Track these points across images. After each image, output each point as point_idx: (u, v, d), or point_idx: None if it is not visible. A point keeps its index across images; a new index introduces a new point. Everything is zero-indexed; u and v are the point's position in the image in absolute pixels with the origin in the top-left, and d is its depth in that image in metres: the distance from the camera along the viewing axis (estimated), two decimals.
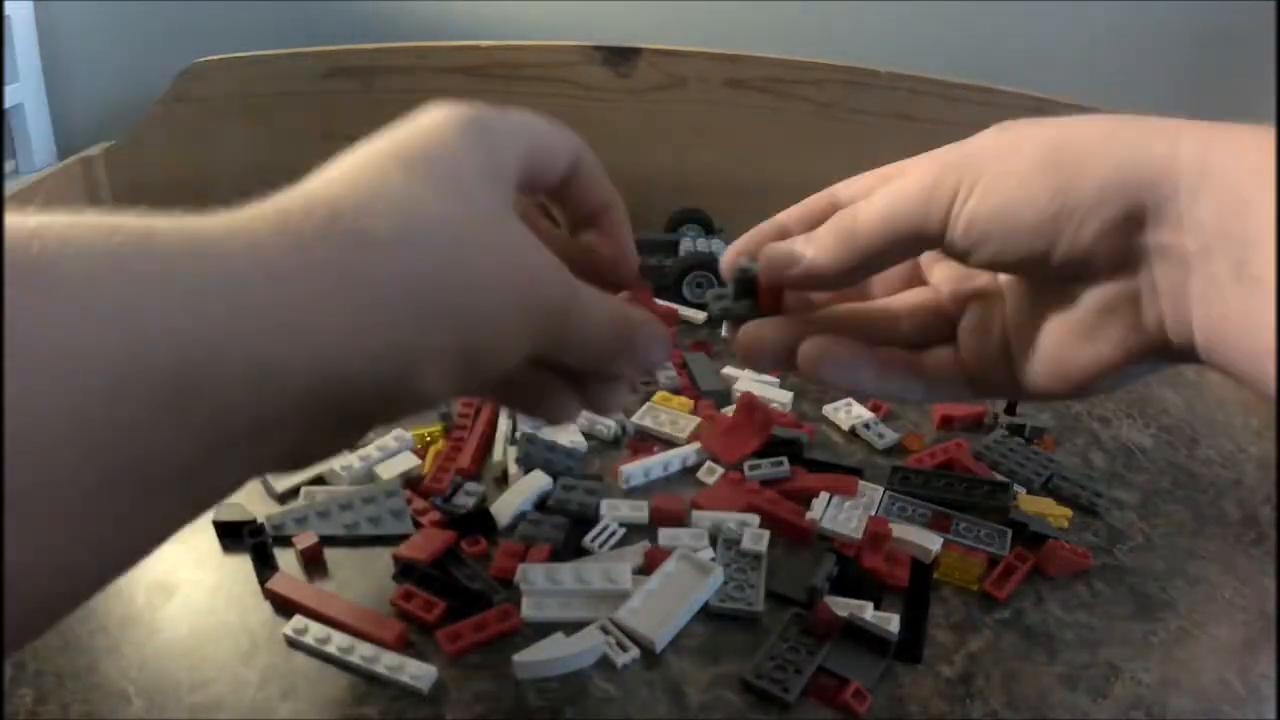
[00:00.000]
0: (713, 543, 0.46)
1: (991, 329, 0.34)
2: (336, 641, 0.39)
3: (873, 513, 0.48)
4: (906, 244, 0.32)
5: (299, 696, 0.37)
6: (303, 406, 0.23)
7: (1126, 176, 0.28)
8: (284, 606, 0.41)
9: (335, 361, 0.24)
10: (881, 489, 0.50)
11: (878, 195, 0.32)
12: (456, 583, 0.42)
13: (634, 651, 0.39)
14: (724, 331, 0.37)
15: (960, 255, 0.31)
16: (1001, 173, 0.30)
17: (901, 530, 0.46)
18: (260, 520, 0.45)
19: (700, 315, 0.68)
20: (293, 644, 0.40)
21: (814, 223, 0.35)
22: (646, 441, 0.54)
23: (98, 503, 0.20)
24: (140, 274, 0.21)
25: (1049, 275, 0.31)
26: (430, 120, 0.30)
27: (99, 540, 0.21)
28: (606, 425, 0.53)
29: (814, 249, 0.33)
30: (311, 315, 0.23)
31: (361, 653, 0.39)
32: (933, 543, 0.45)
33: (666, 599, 0.42)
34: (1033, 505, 0.50)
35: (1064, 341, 0.31)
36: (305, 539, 0.44)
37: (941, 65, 0.83)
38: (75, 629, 0.40)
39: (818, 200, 0.37)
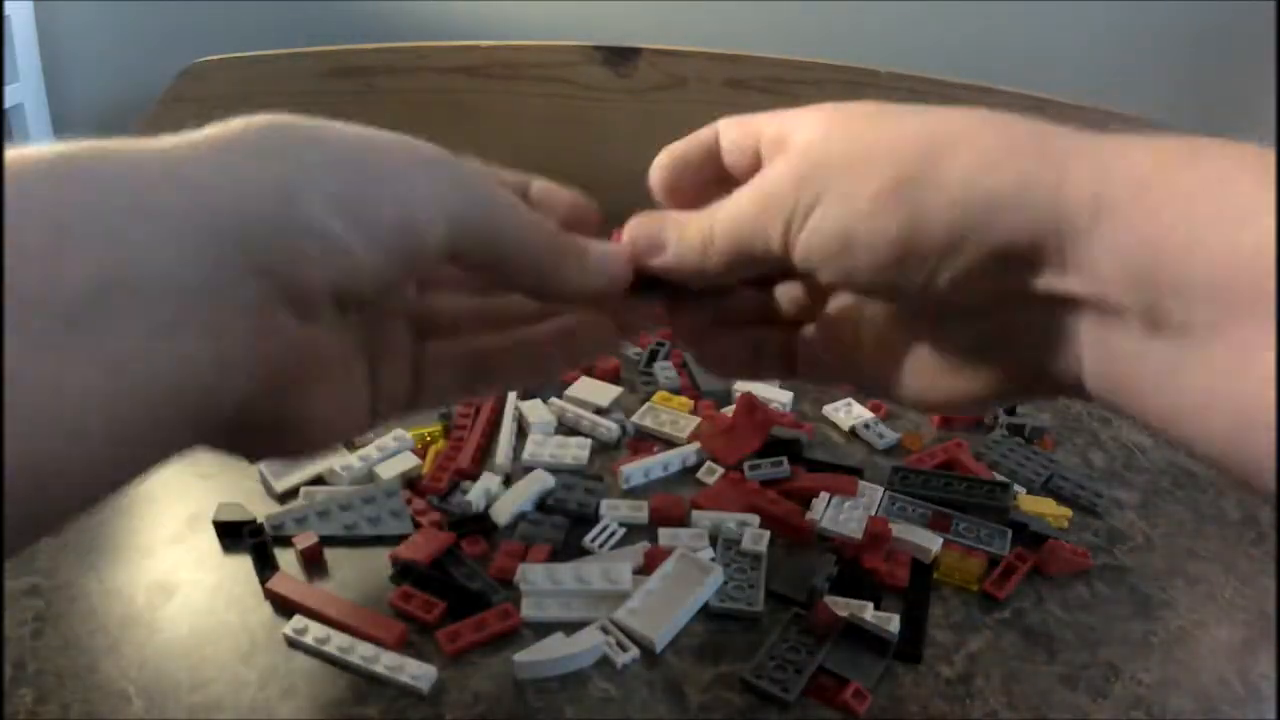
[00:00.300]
0: (713, 543, 0.46)
1: (845, 333, 0.32)
2: (336, 641, 0.39)
3: (873, 513, 0.48)
4: (758, 263, 0.29)
5: (299, 696, 0.37)
6: (186, 245, 0.22)
7: (995, 215, 0.24)
8: (284, 606, 0.41)
9: (205, 193, 0.23)
10: (881, 489, 0.50)
11: (724, 213, 0.30)
12: (455, 583, 0.42)
13: (634, 651, 0.39)
14: None
15: (809, 278, 0.29)
16: (846, 194, 0.26)
17: (901, 530, 0.46)
18: (260, 520, 0.45)
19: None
20: (293, 644, 0.40)
21: (702, 165, 0.34)
22: (646, 441, 0.54)
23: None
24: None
25: (910, 309, 0.29)
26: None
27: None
28: (608, 426, 0.53)
29: (678, 248, 0.31)
30: (179, 165, 0.23)
31: (361, 653, 0.39)
32: (933, 543, 0.45)
33: (666, 599, 0.42)
34: (1033, 505, 0.50)
35: (924, 370, 0.29)
36: (305, 539, 0.44)
37: (941, 65, 0.83)
38: (75, 629, 0.40)
39: (708, 134, 0.35)
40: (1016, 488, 0.51)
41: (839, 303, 0.32)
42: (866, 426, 0.56)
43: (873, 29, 0.98)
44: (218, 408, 0.24)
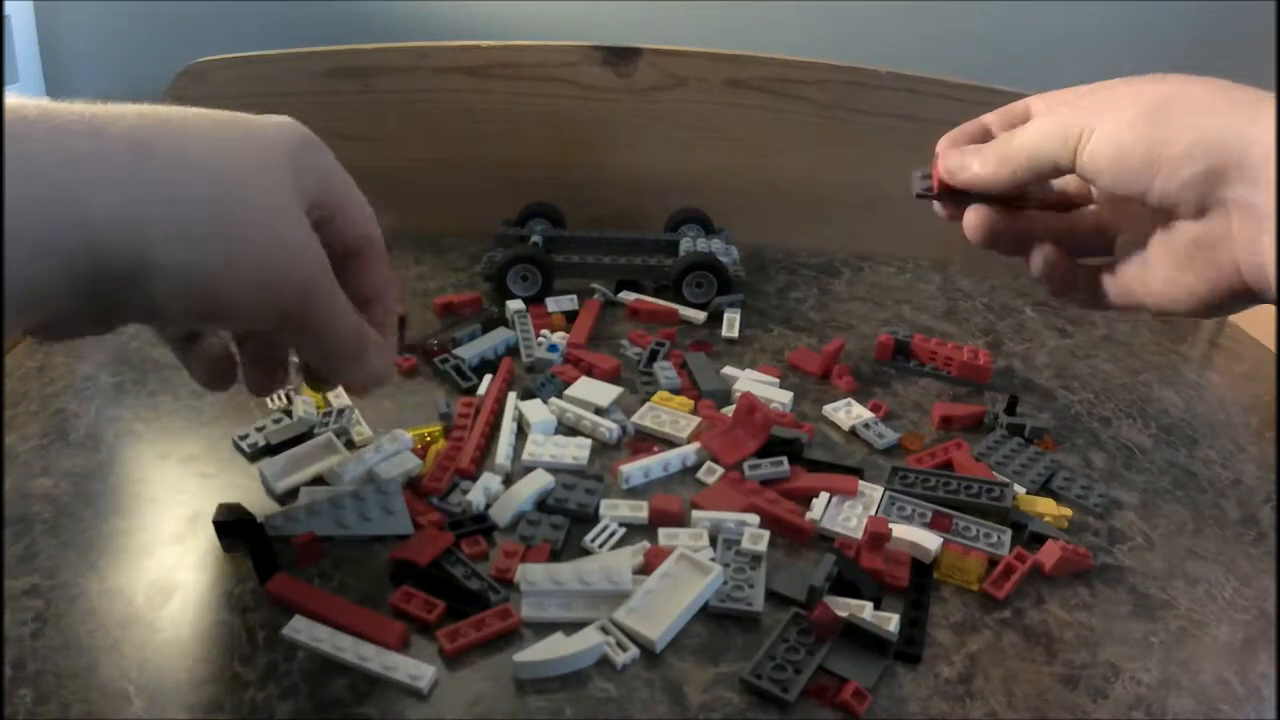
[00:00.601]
0: (713, 543, 0.46)
1: (1126, 249, 0.42)
2: (336, 641, 0.39)
3: (873, 513, 0.48)
4: (1046, 169, 0.40)
5: (299, 696, 0.37)
6: (58, 267, 0.28)
7: (1210, 142, 0.36)
8: (284, 606, 0.41)
9: (76, 221, 0.28)
10: (881, 489, 0.50)
11: (1028, 126, 0.42)
12: (455, 583, 0.42)
13: (634, 651, 0.39)
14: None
15: (1089, 181, 0.40)
16: (1116, 120, 0.38)
17: (901, 530, 0.46)
18: (259, 520, 0.45)
19: (700, 315, 0.68)
20: (293, 644, 0.39)
21: (1011, 124, 0.45)
22: (646, 441, 0.54)
23: None
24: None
25: (1154, 208, 0.38)
26: (277, 119, 0.38)
27: None
28: (608, 426, 0.53)
29: (979, 163, 0.43)
30: (50, 166, 0.28)
31: (361, 653, 0.39)
32: (932, 543, 0.45)
33: (666, 599, 0.42)
34: (1033, 505, 0.50)
35: (1168, 266, 0.39)
36: (305, 539, 0.44)
37: (941, 65, 0.83)
38: (75, 629, 0.40)
39: (1015, 107, 0.46)
40: (1016, 488, 0.51)
41: (1107, 212, 0.45)
42: (866, 426, 0.56)
43: (873, 29, 0.97)
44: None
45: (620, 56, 0.79)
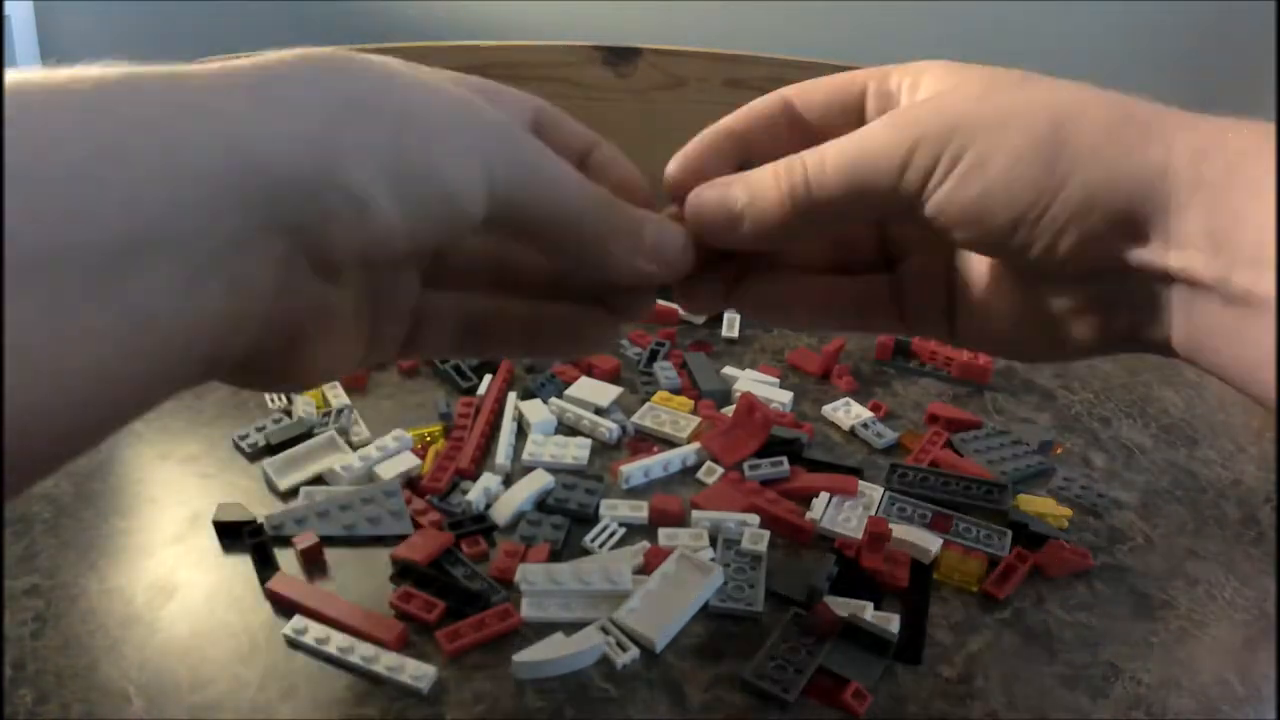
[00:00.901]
0: (713, 543, 0.46)
1: (937, 281, 0.32)
2: (336, 641, 0.39)
3: (873, 513, 0.48)
4: (869, 210, 0.29)
5: (299, 696, 0.37)
6: (220, 196, 0.22)
7: (1116, 186, 0.26)
8: (284, 606, 0.41)
9: (242, 140, 0.22)
10: (881, 489, 0.50)
11: (837, 149, 0.29)
12: (455, 583, 0.42)
13: (634, 651, 0.39)
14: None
15: (927, 229, 0.29)
16: (988, 155, 0.27)
17: (901, 530, 0.46)
18: (260, 520, 0.45)
19: (700, 315, 0.68)
20: (293, 644, 0.40)
21: (763, 127, 0.33)
22: (646, 441, 0.54)
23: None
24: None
25: (1020, 267, 0.29)
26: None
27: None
28: (608, 426, 0.53)
29: (756, 205, 0.29)
30: (216, 101, 0.22)
31: (361, 653, 0.39)
32: (932, 543, 0.45)
33: (666, 599, 0.42)
34: (1033, 505, 0.50)
35: (1020, 325, 0.30)
36: (305, 539, 0.44)
37: None
38: (75, 629, 0.40)
39: (768, 105, 0.34)
40: (1016, 488, 0.51)
41: (934, 259, 0.33)
42: (866, 426, 0.56)
43: (873, 29, 0.97)
44: (229, 355, 0.24)
45: (620, 56, 0.79)
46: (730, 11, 0.94)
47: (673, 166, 0.33)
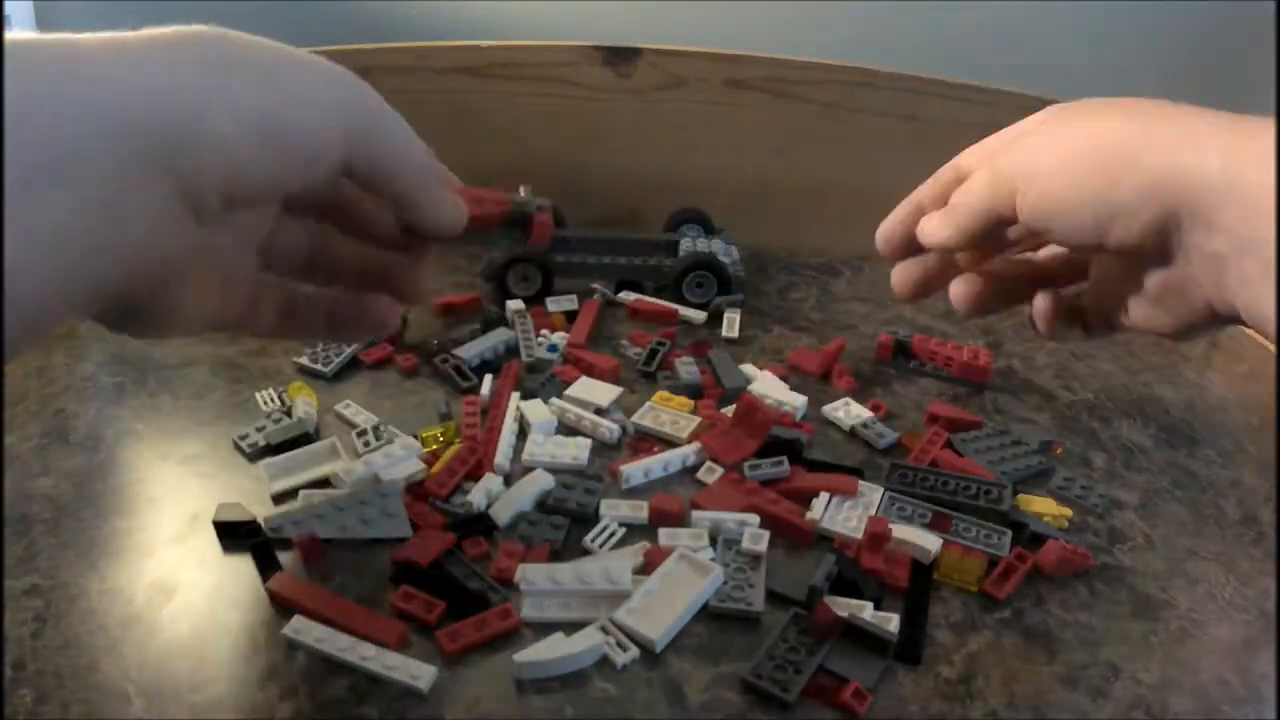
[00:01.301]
0: (713, 543, 0.46)
1: (1099, 286, 0.43)
2: (336, 642, 0.39)
3: (873, 513, 0.48)
4: (993, 227, 0.40)
5: (299, 696, 0.37)
6: (104, 139, 0.26)
7: (1159, 186, 0.34)
8: (284, 606, 0.41)
9: (123, 93, 0.27)
10: (881, 489, 0.50)
11: (966, 185, 0.42)
12: (455, 582, 0.42)
13: (634, 651, 0.39)
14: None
15: (1038, 233, 0.39)
16: (1049, 173, 0.37)
17: (901, 530, 0.46)
18: (259, 520, 0.45)
19: (700, 315, 0.68)
20: (293, 644, 0.40)
21: (943, 195, 0.44)
22: (646, 441, 0.54)
23: None
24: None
25: (1114, 256, 0.38)
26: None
27: None
28: (608, 427, 0.53)
29: (932, 230, 0.43)
30: (103, 60, 0.27)
31: (361, 653, 0.39)
32: (932, 543, 0.45)
33: (666, 599, 0.42)
34: (1033, 505, 0.50)
35: (1140, 304, 0.39)
36: (304, 538, 0.44)
37: (941, 65, 0.83)
38: (75, 628, 0.40)
39: (945, 174, 0.46)
40: (1016, 488, 0.51)
41: (1073, 261, 0.45)
42: (866, 426, 0.56)
43: (873, 29, 0.97)
44: (110, 288, 0.28)
45: (620, 56, 0.79)
46: (730, 11, 0.94)
47: (886, 228, 0.47)
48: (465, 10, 0.93)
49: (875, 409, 0.58)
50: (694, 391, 0.59)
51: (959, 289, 0.46)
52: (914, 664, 0.40)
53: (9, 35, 0.26)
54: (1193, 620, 0.44)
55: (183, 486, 0.49)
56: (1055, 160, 0.37)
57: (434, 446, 0.52)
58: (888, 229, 0.46)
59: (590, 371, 0.59)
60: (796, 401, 0.57)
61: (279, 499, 0.48)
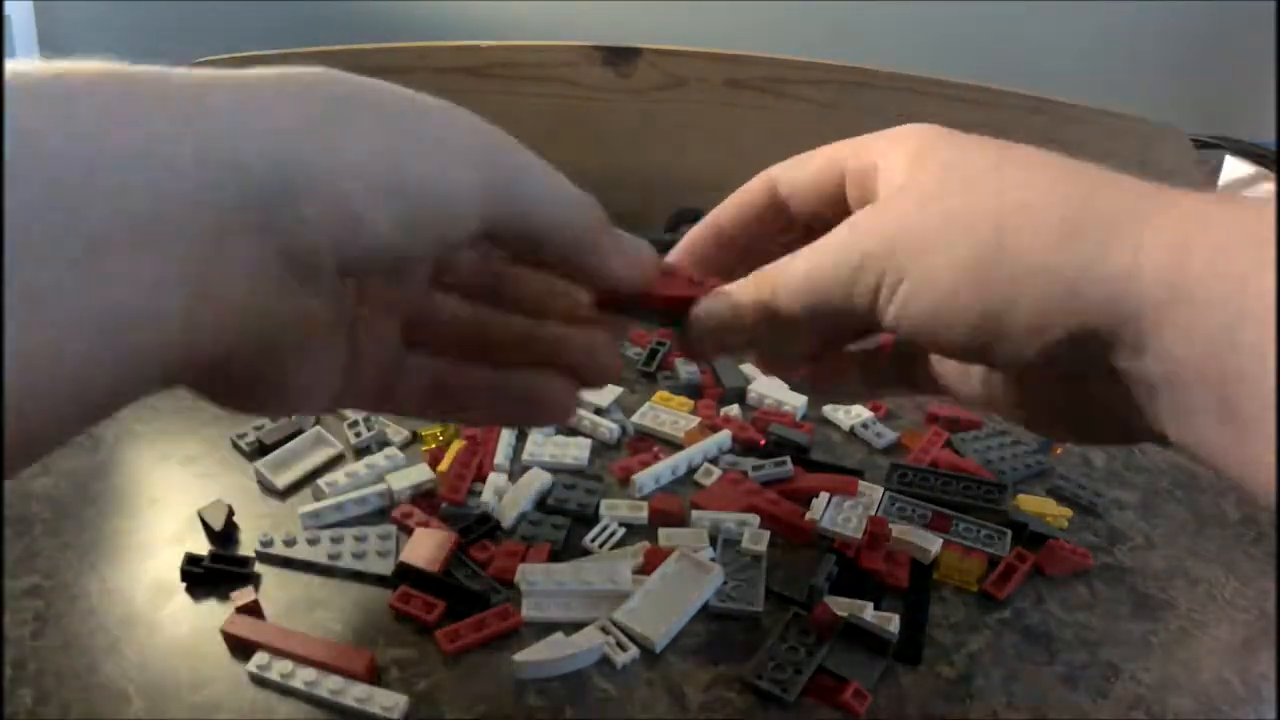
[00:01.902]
0: (713, 543, 0.46)
1: (968, 376, 0.32)
2: (303, 675, 0.37)
3: (873, 513, 0.48)
4: (834, 322, 0.29)
5: (299, 696, 0.37)
6: (199, 193, 0.22)
7: (1072, 300, 0.24)
8: (242, 646, 0.39)
9: (223, 139, 0.22)
10: (881, 489, 0.50)
11: (797, 265, 0.29)
12: (456, 583, 0.42)
13: (634, 651, 0.39)
14: None
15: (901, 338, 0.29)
16: (928, 275, 0.26)
17: (901, 530, 0.46)
18: (205, 558, 0.43)
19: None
20: (257, 680, 0.38)
21: (752, 221, 0.35)
22: (647, 440, 0.54)
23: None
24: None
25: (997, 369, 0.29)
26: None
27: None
28: (608, 427, 0.53)
29: (737, 319, 0.31)
30: (200, 102, 0.23)
31: (330, 685, 0.37)
32: (932, 543, 0.45)
33: (666, 599, 0.42)
34: (1033, 505, 0.50)
35: (1023, 410, 0.30)
36: (243, 596, 0.41)
37: (941, 65, 0.83)
38: (75, 628, 0.40)
39: (756, 191, 0.36)
40: (1015, 487, 0.51)
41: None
42: (865, 426, 0.56)
43: (873, 29, 0.97)
44: (200, 359, 0.24)
45: (620, 56, 0.79)
46: (730, 11, 0.94)
47: (671, 259, 0.36)
48: (465, 10, 0.93)
49: (875, 409, 0.58)
50: (694, 391, 0.59)
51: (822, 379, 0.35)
52: (914, 664, 0.40)
53: (93, 65, 0.22)
54: (1193, 620, 0.44)
55: (183, 486, 0.49)
56: (930, 262, 0.26)
57: (432, 445, 0.52)
58: (676, 259, 0.36)
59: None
60: (796, 401, 0.57)
61: (286, 494, 0.48)
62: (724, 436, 0.53)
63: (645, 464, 0.51)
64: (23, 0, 0.97)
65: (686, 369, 0.60)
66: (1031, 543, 0.47)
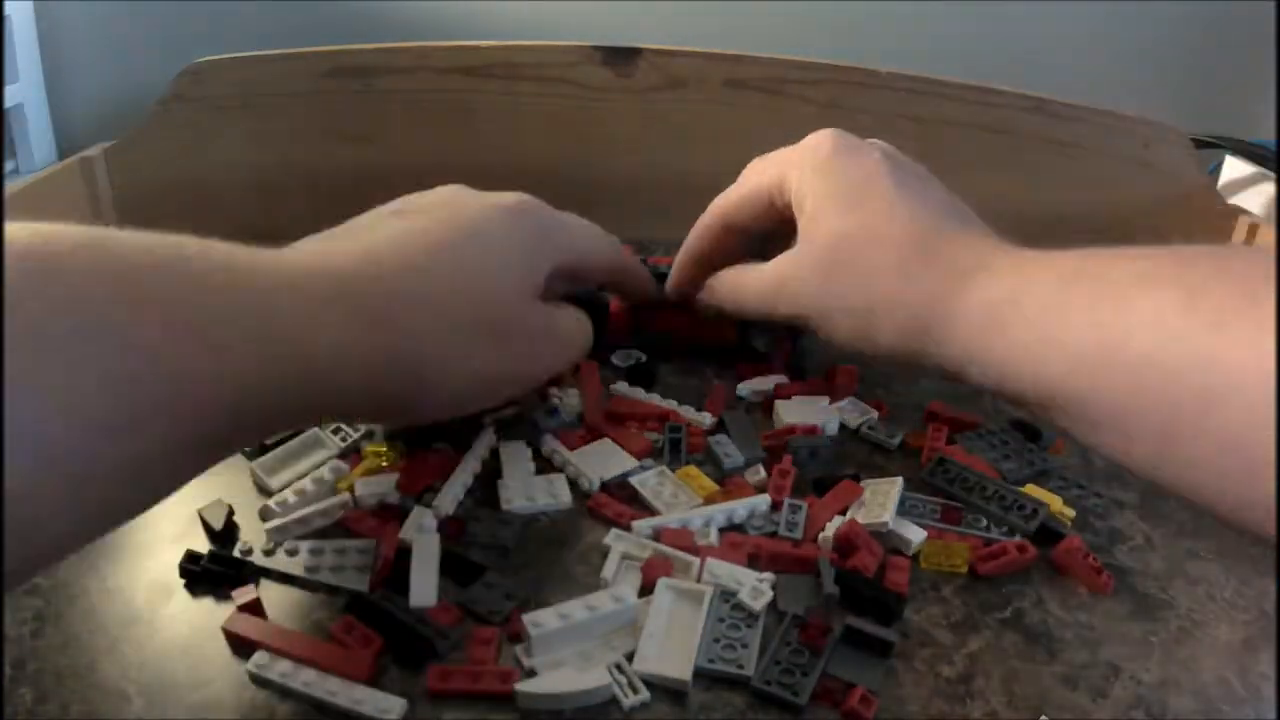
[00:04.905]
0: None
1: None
2: (301, 676, 0.37)
3: (888, 511, 0.46)
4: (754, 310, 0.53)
5: (299, 696, 0.37)
6: (285, 394, 0.35)
7: (895, 301, 0.44)
8: (243, 645, 0.39)
9: (304, 345, 0.35)
10: (889, 489, 0.49)
11: (755, 274, 0.51)
12: (399, 620, 0.38)
13: (644, 694, 0.37)
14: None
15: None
16: (825, 316, 0.47)
17: (881, 523, 0.45)
18: (206, 552, 0.43)
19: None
20: (256, 679, 0.38)
21: (714, 243, 0.55)
22: (616, 497, 0.48)
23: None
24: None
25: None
26: (490, 203, 0.44)
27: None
28: (590, 479, 0.48)
29: (706, 307, 0.56)
30: (310, 337, 0.35)
31: (327, 687, 0.37)
32: (915, 534, 0.45)
33: (676, 636, 0.40)
34: (1039, 496, 0.49)
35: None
36: (245, 594, 0.41)
37: (941, 65, 0.83)
38: (75, 628, 0.40)
39: (708, 225, 0.55)
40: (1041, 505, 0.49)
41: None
42: (871, 429, 0.56)
43: (873, 29, 0.97)
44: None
45: (620, 56, 0.79)
46: (730, 11, 0.94)
47: (671, 281, 0.58)
48: (465, 10, 0.93)
49: (877, 408, 0.58)
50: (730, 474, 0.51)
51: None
52: (885, 654, 0.40)
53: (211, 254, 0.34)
54: (1193, 620, 0.44)
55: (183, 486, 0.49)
56: (801, 258, 0.47)
57: (381, 465, 0.49)
58: (674, 288, 0.57)
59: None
60: (830, 425, 0.56)
61: (276, 494, 0.48)
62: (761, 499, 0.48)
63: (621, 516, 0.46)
64: (23, 0, 0.96)
65: (724, 450, 0.52)
66: (1040, 537, 0.47)
